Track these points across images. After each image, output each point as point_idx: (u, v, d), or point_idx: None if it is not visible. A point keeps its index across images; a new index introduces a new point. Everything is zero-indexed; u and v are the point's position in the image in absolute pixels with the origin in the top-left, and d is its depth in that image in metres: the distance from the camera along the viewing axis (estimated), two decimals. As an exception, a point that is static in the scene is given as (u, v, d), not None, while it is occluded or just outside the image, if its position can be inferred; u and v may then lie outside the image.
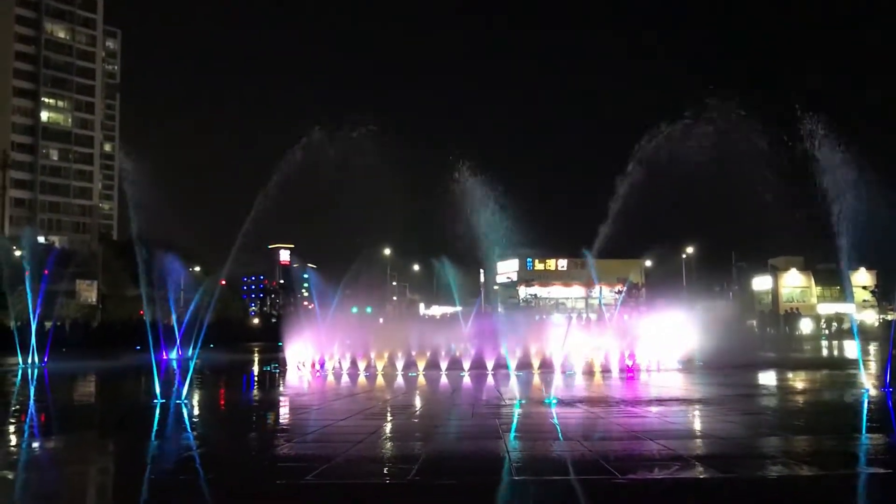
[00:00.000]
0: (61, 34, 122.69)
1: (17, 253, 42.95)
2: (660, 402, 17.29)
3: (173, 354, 35.45)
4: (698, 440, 12.03)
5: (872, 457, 10.47)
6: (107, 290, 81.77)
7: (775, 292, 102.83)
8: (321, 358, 29.65)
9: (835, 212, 17.84)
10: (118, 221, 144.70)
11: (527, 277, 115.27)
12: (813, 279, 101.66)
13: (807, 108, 18.34)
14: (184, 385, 17.98)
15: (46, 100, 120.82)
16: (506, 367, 25.60)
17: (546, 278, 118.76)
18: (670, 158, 19.66)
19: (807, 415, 15.67)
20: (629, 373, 25.81)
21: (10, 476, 9.79)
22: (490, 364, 26.26)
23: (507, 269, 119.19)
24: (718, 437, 11.97)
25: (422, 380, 23.98)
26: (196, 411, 16.49)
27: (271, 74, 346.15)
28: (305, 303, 72.52)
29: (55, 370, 30.41)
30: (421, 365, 26.84)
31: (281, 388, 23.62)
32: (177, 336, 35.74)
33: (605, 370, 26.10)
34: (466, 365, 26.67)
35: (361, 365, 27.96)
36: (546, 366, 25.20)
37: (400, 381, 23.70)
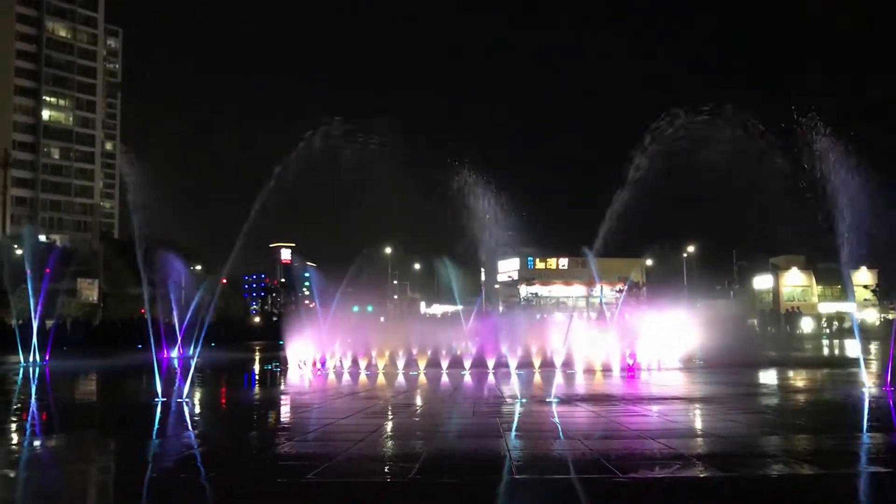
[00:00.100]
0: (63, 33, 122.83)
1: (19, 251, 43.03)
2: (661, 400, 17.30)
3: (174, 353, 35.44)
4: (699, 439, 12.01)
5: (874, 456, 10.47)
6: (108, 288, 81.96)
7: (776, 291, 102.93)
8: (322, 356, 29.69)
9: (836, 211, 17.85)
10: (119, 220, 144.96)
11: (528, 276, 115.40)
12: (814, 278, 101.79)
13: (807, 108, 18.36)
14: (185, 384, 18.00)
15: (48, 98, 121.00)
16: (507, 365, 25.63)
17: (547, 277, 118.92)
18: (671, 158, 19.62)
19: (808, 414, 15.65)
20: (630, 371, 25.79)
21: (12, 474, 9.79)
22: (491, 363, 26.26)
23: (508, 267, 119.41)
24: (719, 436, 11.96)
25: (423, 378, 23.98)
26: (197, 410, 16.49)
27: (271, 74, 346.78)
28: (306, 301, 72.63)
29: (56, 369, 30.46)
30: (422, 364, 26.86)
31: (282, 387, 23.63)
32: (178, 335, 35.74)
33: (606, 369, 26.09)
34: (467, 364, 26.66)
35: (362, 363, 27.99)
36: (547, 364, 25.18)
37: (401, 379, 23.71)
